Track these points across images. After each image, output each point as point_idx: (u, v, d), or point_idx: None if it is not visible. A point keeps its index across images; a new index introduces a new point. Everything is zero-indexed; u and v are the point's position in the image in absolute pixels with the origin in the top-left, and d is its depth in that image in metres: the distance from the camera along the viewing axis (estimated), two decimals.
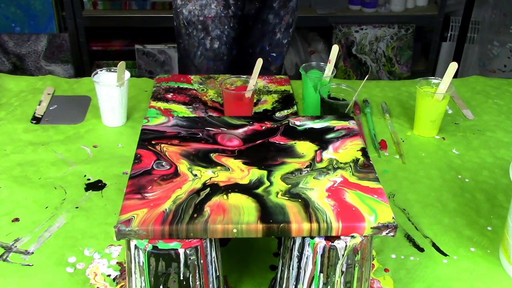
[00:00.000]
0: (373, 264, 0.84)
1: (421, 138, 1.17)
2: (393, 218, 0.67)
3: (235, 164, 0.76)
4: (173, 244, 0.65)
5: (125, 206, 0.68)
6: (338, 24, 2.48)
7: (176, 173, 0.74)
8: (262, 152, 0.79)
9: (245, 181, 0.72)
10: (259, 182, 0.72)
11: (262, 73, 1.23)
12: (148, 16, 2.27)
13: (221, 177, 0.73)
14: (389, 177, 1.05)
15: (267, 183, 0.72)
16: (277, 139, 0.82)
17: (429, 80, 1.17)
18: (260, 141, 0.81)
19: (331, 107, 1.07)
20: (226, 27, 1.46)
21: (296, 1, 1.53)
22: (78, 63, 2.34)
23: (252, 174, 0.74)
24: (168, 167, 0.75)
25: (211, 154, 0.78)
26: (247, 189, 0.71)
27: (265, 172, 0.74)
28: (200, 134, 0.82)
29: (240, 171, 0.74)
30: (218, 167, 0.75)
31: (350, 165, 0.77)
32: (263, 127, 0.85)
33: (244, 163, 0.76)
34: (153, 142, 0.80)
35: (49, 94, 1.28)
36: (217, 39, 1.47)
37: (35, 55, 2.30)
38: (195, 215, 0.66)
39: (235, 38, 1.49)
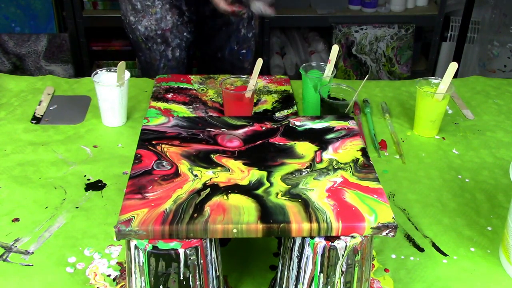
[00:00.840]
0: (373, 264, 0.84)
1: (421, 138, 1.17)
2: (393, 218, 0.67)
3: (235, 165, 0.76)
4: (173, 244, 0.65)
5: (125, 206, 0.68)
6: (338, 24, 2.48)
7: (176, 173, 0.74)
8: (262, 152, 0.79)
9: (245, 182, 0.72)
10: (259, 183, 0.72)
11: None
12: None
13: (221, 177, 0.73)
14: (389, 177, 1.05)
15: (267, 184, 0.72)
16: (277, 140, 0.82)
17: (429, 80, 1.17)
18: (260, 141, 0.81)
19: (331, 107, 1.07)
20: (184, 33, 1.46)
21: None
22: (78, 63, 2.34)
23: (252, 175, 0.74)
24: (169, 167, 0.75)
25: (212, 155, 0.78)
26: (247, 190, 0.71)
27: (265, 173, 0.74)
28: (201, 135, 0.82)
29: (240, 172, 0.74)
30: (219, 168, 0.75)
31: (350, 165, 0.77)
32: (263, 128, 0.85)
33: (244, 164, 0.76)
34: (153, 142, 0.80)
35: (49, 94, 1.28)
36: (177, 48, 1.47)
37: (35, 55, 2.30)
38: (195, 215, 0.66)
39: (192, 41, 1.49)
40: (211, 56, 1.55)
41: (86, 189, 0.99)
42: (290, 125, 0.85)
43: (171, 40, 1.45)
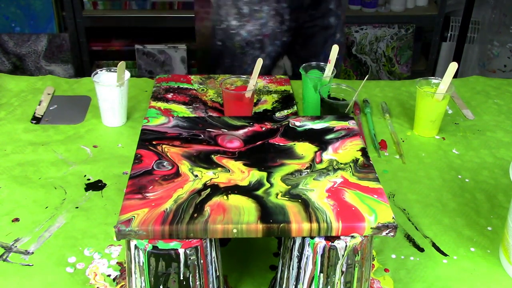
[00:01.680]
0: (373, 264, 0.84)
1: (421, 138, 1.17)
2: (393, 218, 0.67)
3: (236, 165, 0.76)
4: (173, 244, 0.65)
5: (125, 206, 0.68)
6: None
7: (177, 174, 0.74)
8: (262, 153, 0.79)
9: (245, 182, 0.72)
10: (259, 184, 0.72)
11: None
12: (148, 16, 2.27)
13: (221, 178, 0.73)
14: (389, 177, 1.05)
15: (267, 185, 0.72)
16: (277, 140, 0.82)
17: (429, 80, 1.17)
18: (260, 142, 0.81)
19: (331, 107, 1.07)
20: (277, 42, 1.46)
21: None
22: (78, 63, 2.34)
23: (252, 175, 0.74)
24: (170, 167, 0.75)
25: (212, 156, 0.78)
26: (247, 191, 0.71)
27: (265, 174, 0.74)
28: (202, 136, 0.82)
29: (240, 173, 0.74)
30: (219, 169, 0.75)
31: (350, 166, 0.77)
32: (263, 128, 0.85)
33: (244, 164, 0.76)
34: (154, 142, 0.80)
35: (49, 94, 1.28)
36: (268, 56, 1.47)
37: (35, 55, 2.30)
38: (195, 215, 0.66)
39: (281, 53, 1.49)
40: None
41: (86, 189, 0.99)
42: (290, 125, 0.85)
43: (266, 46, 1.46)
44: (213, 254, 0.69)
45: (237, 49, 1.45)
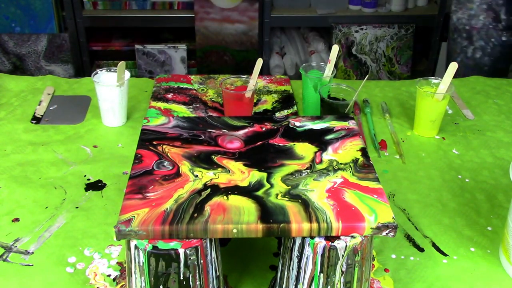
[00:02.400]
0: (373, 264, 0.84)
1: (421, 138, 1.17)
2: (393, 218, 0.67)
3: (236, 166, 0.76)
4: (173, 244, 0.65)
5: (125, 206, 0.68)
6: (338, 24, 2.48)
7: (177, 174, 0.74)
8: (262, 154, 0.79)
9: (245, 183, 0.72)
10: (259, 184, 0.72)
11: None
12: (148, 16, 2.27)
13: (221, 178, 0.73)
14: (389, 177, 1.05)
15: (267, 185, 0.72)
16: (277, 141, 0.82)
17: (429, 80, 1.17)
18: (260, 142, 0.81)
19: (331, 107, 1.07)
20: (492, 39, 1.44)
21: None
22: (78, 63, 2.34)
23: (252, 176, 0.74)
24: (170, 167, 0.75)
25: (213, 156, 0.78)
26: (247, 191, 0.71)
27: (265, 174, 0.74)
28: (202, 136, 0.82)
29: (240, 173, 0.74)
30: (219, 169, 0.75)
31: (350, 166, 0.77)
32: (263, 128, 0.85)
33: (244, 165, 0.76)
34: (154, 142, 0.80)
35: (49, 94, 1.28)
36: (480, 50, 1.46)
37: (35, 55, 2.30)
38: (195, 215, 0.66)
39: (503, 52, 1.46)
40: None
41: (86, 189, 0.99)
42: (290, 125, 0.85)
43: (475, 39, 1.44)
44: (213, 254, 0.69)
45: (450, 33, 1.47)
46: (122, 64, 1.12)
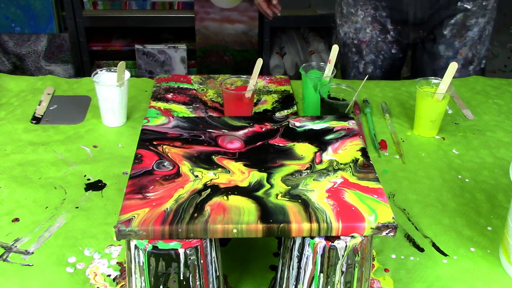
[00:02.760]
0: (373, 264, 0.84)
1: (421, 138, 1.17)
2: (393, 218, 0.67)
3: (236, 166, 0.76)
4: (173, 244, 0.65)
5: (125, 206, 0.68)
6: None
7: (178, 174, 0.74)
8: (262, 154, 0.79)
9: (245, 183, 0.72)
10: (259, 185, 0.72)
11: None
12: (148, 16, 2.27)
13: (221, 179, 0.73)
14: (389, 177, 1.05)
15: (267, 186, 0.72)
16: (277, 141, 0.82)
17: (429, 80, 1.17)
18: (260, 143, 0.81)
19: (331, 107, 1.07)
20: (382, 52, 1.42)
21: (480, 33, 1.37)
22: (78, 63, 2.34)
23: (252, 176, 0.74)
24: (171, 167, 0.75)
25: (213, 156, 0.78)
26: (247, 191, 0.71)
27: (265, 175, 0.74)
28: (203, 137, 0.82)
29: (240, 174, 0.74)
30: (219, 169, 0.75)
31: (350, 166, 0.77)
32: (263, 129, 0.85)
33: (244, 165, 0.76)
34: (154, 143, 0.80)
35: (49, 94, 1.28)
36: (371, 64, 1.44)
37: (35, 55, 2.30)
38: (195, 215, 0.66)
39: (393, 65, 1.44)
40: None
41: (86, 189, 0.99)
42: (290, 126, 0.85)
43: (366, 53, 1.43)
44: (213, 254, 0.69)
45: (340, 47, 1.43)
46: (122, 64, 1.12)
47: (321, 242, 0.66)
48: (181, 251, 0.65)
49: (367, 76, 1.12)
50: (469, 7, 1.34)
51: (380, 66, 1.45)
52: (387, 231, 0.67)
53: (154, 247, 0.65)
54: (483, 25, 1.38)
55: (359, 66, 1.46)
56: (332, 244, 0.66)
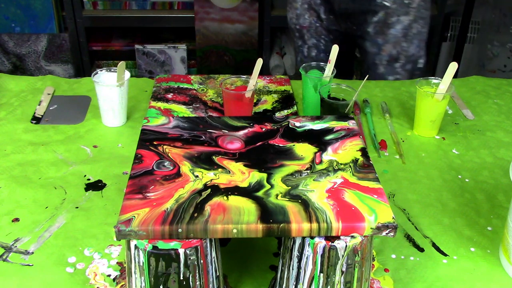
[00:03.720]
0: (373, 264, 0.84)
1: (421, 138, 1.17)
2: (393, 218, 0.67)
3: (236, 167, 0.76)
4: (173, 244, 0.65)
5: (125, 206, 0.68)
6: None
7: (178, 174, 0.74)
8: (262, 154, 0.79)
9: (245, 184, 0.72)
10: (259, 185, 0.72)
11: None
12: (148, 16, 2.27)
13: (222, 179, 0.73)
14: (389, 177, 1.05)
15: (267, 186, 0.72)
16: (277, 141, 0.82)
17: (429, 80, 1.17)
18: (260, 143, 0.81)
19: (331, 107, 1.07)
20: (323, 36, 1.45)
21: (405, 31, 1.38)
22: (78, 63, 2.34)
23: (252, 176, 0.74)
24: (171, 167, 0.75)
25: (214, 157, 0.78)
26: (247, 192, 0.71)
27: (265, 175, 0.74)
28: (203, 137, 0.82)
29: (240, 174, 0.74)
30: (220, 170, 0.75)
31: (350, 166, 0.77)
32: (263, 129, 0.85)
33: (244, 165, 0.76)
34: (155, 143, 0.80)
35: (49, 94, 1.28)
36: (314, 48, 1.47)
37: (35, 55, 2.30)
38: (195, 215, 0.66)
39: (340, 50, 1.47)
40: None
41: (86, 189, 0.99)
42: (290, 126, 0.85)
43: (307, 38, 1.46)
44: (213, 254, 0.69)
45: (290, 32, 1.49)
46: (122, 64, 1.12)
47: (321, 242, 0.66)
48: (181, 251, 0.65)
49: (367, 76, 1.12)
50: (388, 4, 1.36)
51: (324, 50, 1.49)
52: (387, 231, 0.67)
53: (154, 247, 0.65)
54: (407, 23, 1.39)
55: (303, 50, 1.50)
56: (332, 244, 0.66)
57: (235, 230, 0.66)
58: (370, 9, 1.38)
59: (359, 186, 0.72)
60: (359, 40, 1.46)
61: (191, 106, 1.20)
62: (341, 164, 0.77)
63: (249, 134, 0.83)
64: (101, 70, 1.18)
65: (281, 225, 0.66)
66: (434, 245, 0.89)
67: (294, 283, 0.70)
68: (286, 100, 1.24)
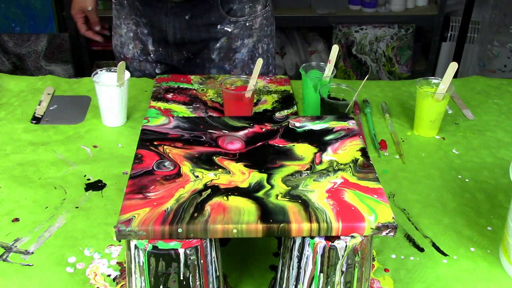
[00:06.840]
0: (373, 264, 0.84)
1: (421, 138, 1.17)
2: (393, 218, 0.67)
3: (236, 167, 0.76)
4: (173, 244, 0.65)
5: (125, 206, 0.68)
6: (338, 24, 2.48)
7: (178, 174, 0.74)
8: (262, 155, 0.79)
9: (245, 184, 0.72)
10: (259, 186, 0.72)
11: None
12: None
13: (222, 179, 0.73)
14: (389, 177, 1.05)
15: (268, 186, 0.72)
16: (277, 142, 0.82)
17: (429, 80, 1.17)
18: (260, 143, 0.81)
19: (331, 107, 1.07)
20: (146, 72, 1.38)
21: (250, 53, 1.32)
22: (78, 63, 2.34)
23: (252, 177, 0.74)
24: (171, 167, 0.75)
25: (214, 157, 0.78)
26: (247, 192, 0.71)
27: (265, 175, 0.74)
28: (203, 137, 0.82)
29: (241, 174, 0.74)
30: (220, 170, 0.75)
31: (350, 166, 0.77)
32: (263, 129, 0.85)
33: (245, 166, 0.76)
34: (155, 143, 0.80)
35: (49, 94, 1.28)
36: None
37: (35, 55, 2.30)
38: (196, 215, 0.66)
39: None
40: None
41: (86, 189, 0.99)
42: (290, 126, 0.85)
43: (132, 70, 1.40)
44: (213, 254, 0.69)
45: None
46: (122, 64, 1.12)
47: (321, 242, 0.66)
48: (181, 251, 0.65)
49: (367, 76, 1.12)
50: (230, 30, 1.29)
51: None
52: (387, 231, 0.67)
53: (154, 247, 0.65)
54: (252, 45, 1.33)
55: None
56: (332, 244, 0.66)
57: (235, 230, 0.66)
58: (211, 36, 1.30)
59: (359, 186, 0.72)
60: (198, 70, 1.35)
61: (191, 106, 1.20)
62: (341, 164, 0.77)
63: (249, 135, 0.83)
64: (101, 70, 1.18)
65: (281, 225, 0.66)
66: (434, 245, 0.89)
67: (294, 283, 0.70)
68: (286, 100, 1.24)
